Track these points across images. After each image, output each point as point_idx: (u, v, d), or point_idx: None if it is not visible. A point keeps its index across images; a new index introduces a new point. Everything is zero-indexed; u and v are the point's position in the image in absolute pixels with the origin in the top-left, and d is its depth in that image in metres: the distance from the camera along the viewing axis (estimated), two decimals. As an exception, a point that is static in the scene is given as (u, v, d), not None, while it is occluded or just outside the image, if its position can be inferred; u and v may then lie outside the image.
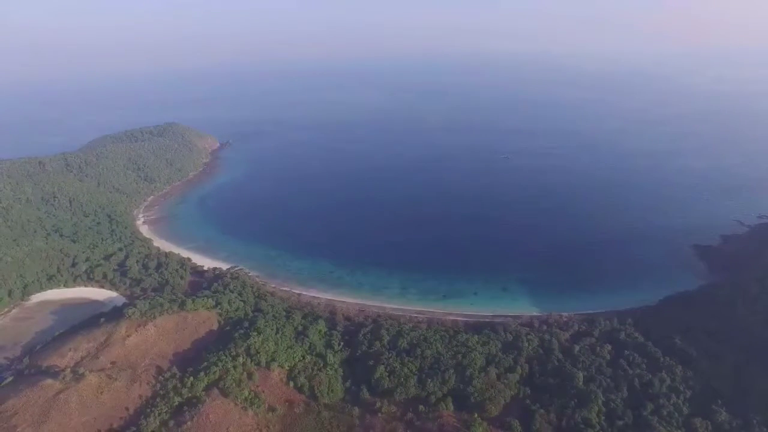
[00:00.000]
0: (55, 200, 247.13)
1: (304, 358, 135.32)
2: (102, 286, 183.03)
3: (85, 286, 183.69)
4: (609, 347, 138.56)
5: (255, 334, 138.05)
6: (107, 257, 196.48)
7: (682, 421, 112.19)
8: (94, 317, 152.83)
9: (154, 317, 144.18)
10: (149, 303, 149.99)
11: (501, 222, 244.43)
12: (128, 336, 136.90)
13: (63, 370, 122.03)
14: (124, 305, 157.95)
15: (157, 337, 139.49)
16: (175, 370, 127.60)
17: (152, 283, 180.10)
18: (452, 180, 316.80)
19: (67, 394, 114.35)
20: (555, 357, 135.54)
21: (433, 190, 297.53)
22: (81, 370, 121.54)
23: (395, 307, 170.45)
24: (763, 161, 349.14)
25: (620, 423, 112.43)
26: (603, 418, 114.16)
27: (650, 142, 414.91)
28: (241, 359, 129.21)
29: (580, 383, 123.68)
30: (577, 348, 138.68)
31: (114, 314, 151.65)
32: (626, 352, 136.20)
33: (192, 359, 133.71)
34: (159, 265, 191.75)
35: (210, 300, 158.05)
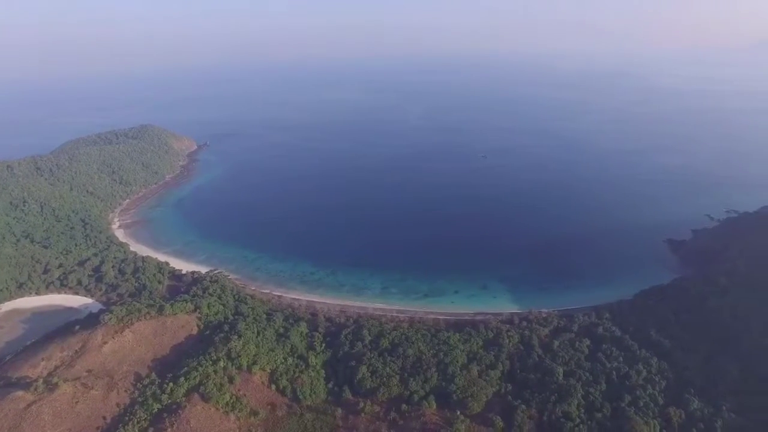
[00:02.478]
0: (24, 205, 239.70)
1: (285, 360, 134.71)
2: (76, 293, 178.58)
3: (59, 293, 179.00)
4: (587, 342, 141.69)
5: (235, 337, 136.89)
6: (81, 263, 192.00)
7: (658, 411, 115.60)
8: (68, 325, 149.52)
9: (132, 323, 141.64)
10: (126, 308, 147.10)
11: (480, 220, 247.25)
12: (105, 343, 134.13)
13: (35, 381, 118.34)
14: (100, 311, 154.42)
15: (134, 343, 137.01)
16: (154, 376, 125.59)
17: (129, 289, 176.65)
18: (431, 179, 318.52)
19: (39, 406, 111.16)
20: (535, 353, 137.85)
21: (413, 190, 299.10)
22: (54, 380, 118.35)
23: (376, 307, 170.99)
24: (730, 158, 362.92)
25: (599, 415, 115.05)
26: (582, 411, 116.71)
27: (624, 141, 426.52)
28: (221, 363, 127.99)
29: (560, 378, 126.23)
30: (556, 343, 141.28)
31: (89, 321, 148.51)
32: (604, 345, 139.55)
33: (171, 365, 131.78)
34: (136, 270, 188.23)
35: (189, 304, 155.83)
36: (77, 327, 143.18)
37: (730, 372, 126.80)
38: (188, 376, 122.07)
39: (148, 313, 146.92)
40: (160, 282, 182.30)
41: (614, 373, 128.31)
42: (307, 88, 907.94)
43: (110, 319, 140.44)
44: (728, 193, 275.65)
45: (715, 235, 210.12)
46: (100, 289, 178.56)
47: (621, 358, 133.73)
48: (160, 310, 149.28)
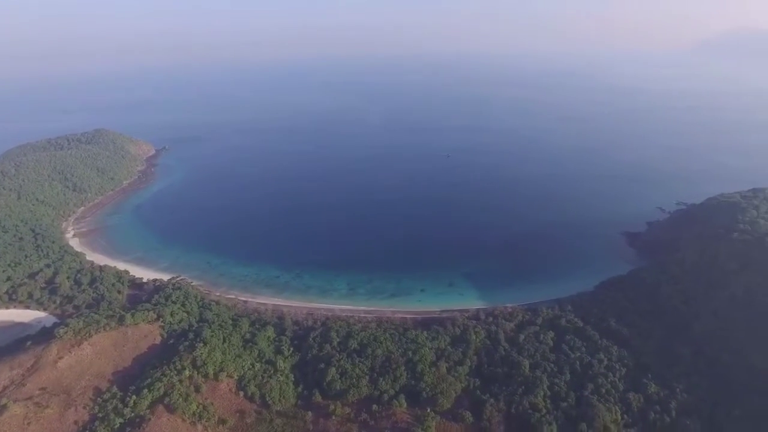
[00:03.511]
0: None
1: (253, 366, 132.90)
2: (27, 307, 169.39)
3: (7, 308, 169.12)
4: (551, 334, 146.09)
5: (201, 345, 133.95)
6: (32, 275, 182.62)
7: (619, 397, 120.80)
8: (18, 341, 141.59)
9: (90, 335, 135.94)
10: (84, 320, 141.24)
11: (445, 219, 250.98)
12: (60, 358, 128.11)
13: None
14: (55, 325, 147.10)
15: (93, 356, 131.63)
16: (115, 389, 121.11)
17: (86, 300, 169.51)
18: (395, 180, 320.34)
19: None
20: (502, 347, 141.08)
21: (377, 191, 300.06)
22: (3, 402, 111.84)
23: (344, 308, 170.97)
24: (678, 154, 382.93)
25: (564, 405, 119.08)
26: (548, 401, 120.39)
27: (581, 138, 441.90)
28: (187, 372, 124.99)
29: (526, 370, 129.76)
30: (522, 337, 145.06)
31: (43, 336, 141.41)
32: (567, 337, 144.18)
33: (134, 376, 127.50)
34: (93, 280, 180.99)
35: (151, 313, 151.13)
36: (29, 343, 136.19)
37: (682, 355, 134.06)
38: (152, 388, 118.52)
39: (108, 324, 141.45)
40: (119, 291, 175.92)
41: (577, 362, 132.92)
42: (267, 90, 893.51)
43: (66, 332, 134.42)
44: (678, 187, 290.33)
45: (667, 227, 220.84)
46: (54, 302, 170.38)
47: (583, 348, 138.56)
48: (121, 320, 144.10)
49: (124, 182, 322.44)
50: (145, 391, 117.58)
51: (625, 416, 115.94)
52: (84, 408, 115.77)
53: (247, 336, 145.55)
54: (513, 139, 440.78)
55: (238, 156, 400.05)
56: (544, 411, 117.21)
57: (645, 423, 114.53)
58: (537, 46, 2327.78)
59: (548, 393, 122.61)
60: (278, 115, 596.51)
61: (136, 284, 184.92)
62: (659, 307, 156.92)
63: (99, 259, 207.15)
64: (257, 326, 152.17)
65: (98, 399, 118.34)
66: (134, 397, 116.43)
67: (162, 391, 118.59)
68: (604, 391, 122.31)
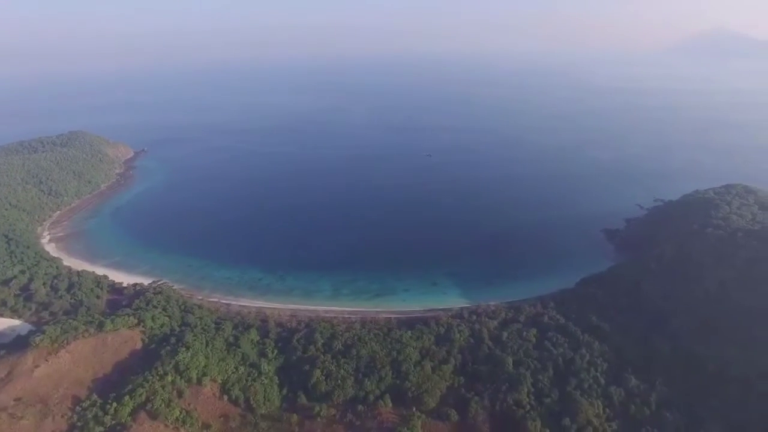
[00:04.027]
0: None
1: (237, 369, 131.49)
2: (0, 315, 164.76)
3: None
4: (534, 331, 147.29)
5: (183, 349, 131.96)
6: (6, 282, 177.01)
7: (601, 392, 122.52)
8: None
9: (68, 343, 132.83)
10: (61, 327, 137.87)
11: (427, 218, 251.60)
12: (36, 367, 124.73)
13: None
14: (30, 333, 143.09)
15: (71, 364, 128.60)
16: (95, 397, 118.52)
17: (63, 306, 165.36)
18: (377, 180, 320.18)
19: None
20: (485, 345, 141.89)
21: (359, 191, 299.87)
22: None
23: (328, 309, 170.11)
24: (655, 151, 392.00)
25: (548, 401, 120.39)
26: (532, 398, 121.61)
27: (561, 137, 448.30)
28: (169, 377, 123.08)
29: (510, 367, 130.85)
30: (505, 334, 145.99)
31: (17, 344, 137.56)
32: (550, 333, 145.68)
33: (115, 383, 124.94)
34: (71, 286, 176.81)
35: (132, 318, 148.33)
36: (2, 352, 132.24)
37: (661, 349, 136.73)
38: (133, 394, 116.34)
39: (86, 330, 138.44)
40: (98, 297, 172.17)
41: (560, 359, 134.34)
42: (249, 91, 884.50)
43: (42, 340, 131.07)
44: (655, 184, 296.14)
45: (645, 223, 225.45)
46: (30, 309, 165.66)
47: (566, 345, 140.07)
48: (100, 326, 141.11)
49: (102, 185, 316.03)
50: (127, 397, 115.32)
51: (607, 410, 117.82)
52: (62, 417, 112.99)
53: (231, 339, 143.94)
54: (494, 139, 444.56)
55: (220, 157, 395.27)
56: (528, 407, 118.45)
57: (626, 416, 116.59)
58: (516, 46, 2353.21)
59: (532, 389, 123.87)
60: (260, 116, 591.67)
61: (115, 289, 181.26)
62: (639, 302, 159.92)
63: (76, 264, 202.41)
64: (240, 329, 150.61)
65: (77, 408, 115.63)
66: (115, 404, 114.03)
67: (144, 397, 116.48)
68: (586, 386, 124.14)
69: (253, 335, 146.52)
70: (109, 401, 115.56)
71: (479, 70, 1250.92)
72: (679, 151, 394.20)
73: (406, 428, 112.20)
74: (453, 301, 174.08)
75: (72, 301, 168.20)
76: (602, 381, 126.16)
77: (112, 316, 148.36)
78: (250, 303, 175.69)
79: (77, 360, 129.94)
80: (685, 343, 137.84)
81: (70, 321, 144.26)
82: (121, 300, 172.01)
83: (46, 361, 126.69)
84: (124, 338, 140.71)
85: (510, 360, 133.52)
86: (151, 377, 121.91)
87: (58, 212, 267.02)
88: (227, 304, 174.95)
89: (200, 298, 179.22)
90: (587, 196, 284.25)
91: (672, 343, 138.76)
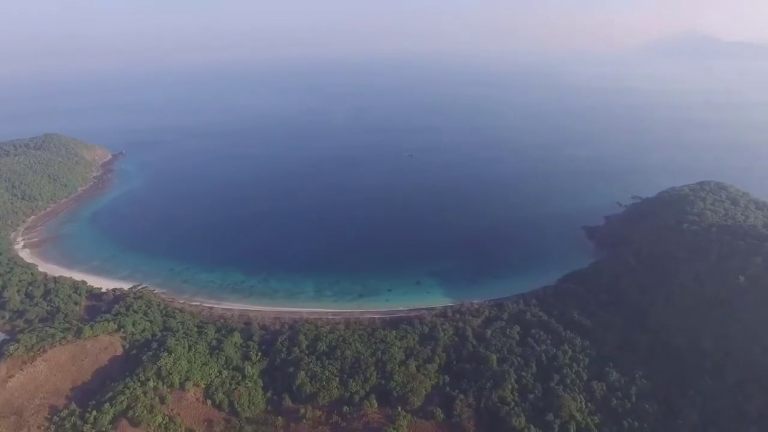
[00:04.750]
0: None
1: (220, 373, 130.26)
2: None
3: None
4: (517, 328, 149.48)
5: (165, 354, 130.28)
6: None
7: (583, 386, 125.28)
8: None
9: (44, 351, 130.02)
10: (37, 335, 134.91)
11: (410, 218, 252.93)
12: (11, 377, 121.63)
13: None
14: (4, 342, 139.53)
15: (48, 372, 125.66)
16: (74, 406, 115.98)
17: (39, 313, 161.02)
18: (359, 180, 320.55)
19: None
20: (469, 343, 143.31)
21: (341, 192, 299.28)
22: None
23: (312, 311, 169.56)
24: (632, 149, 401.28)
25: (531, 396, 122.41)
26: (516, 394, 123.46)
27: (541, 136, 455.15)
28: (151, 383, 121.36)
29: (494, 365, 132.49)
30: (489, 332, 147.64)
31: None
32: (533, 330, 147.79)
33: (95, 391, 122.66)
34: (47, 292, 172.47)
35: (111, 324, 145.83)
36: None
37: (640, 342, 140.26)
38: (114, 401, 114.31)
39: (64, 338, 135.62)
40: (76, 303, 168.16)
41: (543, 355, 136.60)
42: (229, 92, 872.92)
43: (17, 348, 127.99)
44: (633, 181, 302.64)
45: (623, 220, 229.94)
46: (3, 317, 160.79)
47: (548, 341, 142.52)
48: (78, 333, 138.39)
49: (79, 189, 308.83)
50: (107, 405, 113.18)
51: (589, 404, 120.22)
52: (38, 428, 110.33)
53: (214, 343, 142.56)
54: (475, 138, 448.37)
55: (200, 160, 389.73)
56: (513, 404, 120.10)
57: (608, 409, 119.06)
58: (494, 46, 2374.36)
59: (516, 386, 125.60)
60: (240, 118, 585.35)
61: (94, 295, 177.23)
62: (618, 297, 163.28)
63: (53, 269, 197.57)
64: (224, 332, 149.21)
65: (54, 417, 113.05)
66: (95, 412, 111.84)
67: (125, 404, 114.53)
68: (569, 381, 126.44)
69: (237, 338, 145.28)
70: (89, 410, 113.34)
71: (457, 71, 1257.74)
72: (655, 149, 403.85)
73: (392, 428, 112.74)
74: (437, 300, 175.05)
75: (48, 308, 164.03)
76: (584, 376, 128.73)
77: (92, 323, 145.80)
78: (233, 306, 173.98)
79: (54, 368, 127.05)
80: (663, 336, 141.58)
81: (47, 328, 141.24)
82: (100, 306, 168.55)
83: (21, 370, 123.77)
84: (104, 345, 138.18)
85: (494, 357, 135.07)
86: (132, 383, 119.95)
87: (33, 217, 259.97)
88: (210, 307, 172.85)
89: (182, 301, 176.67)
90: (567, 194, 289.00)
91: (650, 336, 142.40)
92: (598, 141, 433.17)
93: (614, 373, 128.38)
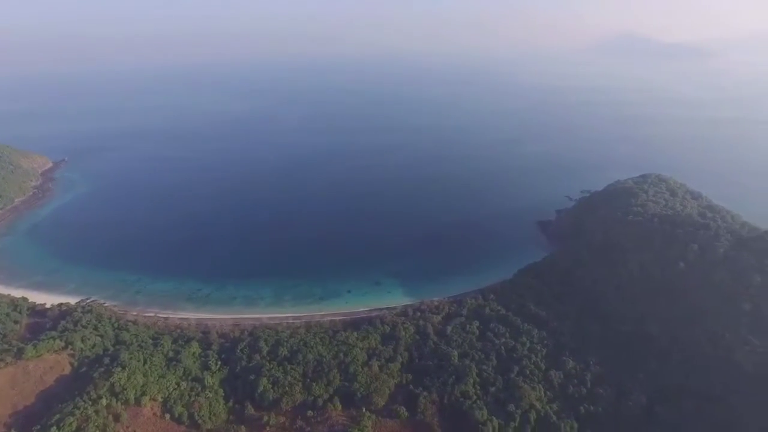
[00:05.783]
0: None
1: (179, 385, 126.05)
2: None
3: None
4: (477, 323, 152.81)
5: (119, 369, 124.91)
6: None
7: (542, 376, 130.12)
8: None
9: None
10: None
11: (367, 218, 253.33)
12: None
13: None
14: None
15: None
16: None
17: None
18: (316, 182, 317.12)
19: None
20: (431, 340, 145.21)
21: (297, 195, 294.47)
22: None
23: (271, 316, 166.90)
24: (581, 145, 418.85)
25: (493, 389, 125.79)
26: (478, 388, 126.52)
27: (495, 133, 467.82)
28: (104, 401, 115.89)
29: (456, 360, 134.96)
30: (449, 329, 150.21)
31: None
32: (492, 324, 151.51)
33: (39, 414, 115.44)
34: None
35: (57, 341, 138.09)
36: None
37: (593, 331, 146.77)
38: (62, 424, 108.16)
39: (2, 360, 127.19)
40: (16, 322, 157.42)
41: (502, 348, 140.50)
42: (178, 94, 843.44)
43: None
44: (583, 175, 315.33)
45: (574, 214, 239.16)
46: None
47: (507, 334, 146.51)
48: (19, 353, 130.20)
49: (16, 200, 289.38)
50: (54, 429, 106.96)
51: (548, 393, 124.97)
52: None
53: (171, 354, 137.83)
54: (429, 137, 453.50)
55: (149, 165, 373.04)
56: (475, 397, 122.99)
57: (565, 396, 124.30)
58: (438, 45, 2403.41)
59: (477, 380, 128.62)
60: (190, 121, 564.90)
61: (37, 312, 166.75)
62: (572, 288, 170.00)
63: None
64: (180, 343, 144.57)
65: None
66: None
67: (75, 425, 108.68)
68: (528, 372, 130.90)
69: (195, 348, 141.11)
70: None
71: (404, 71, 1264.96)
72: (601, 143, 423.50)
73: (356, 429, 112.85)
74: (397, 299, 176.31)
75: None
76: (542, 366, 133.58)
77: (35, 342, 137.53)
78: (190, 315, 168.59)
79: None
80: (614, 324, 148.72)
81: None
82: (44, 323, 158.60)
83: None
84: (50, 364, 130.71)
85: (455, 353, 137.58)
86: (82, 403, 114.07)
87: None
88: (165, 318, 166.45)
89: (135, 313, 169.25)
90: (521, 189, 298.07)
91: (602, 324, 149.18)
92: (550, 137, 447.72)
93: (570, 361, 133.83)
